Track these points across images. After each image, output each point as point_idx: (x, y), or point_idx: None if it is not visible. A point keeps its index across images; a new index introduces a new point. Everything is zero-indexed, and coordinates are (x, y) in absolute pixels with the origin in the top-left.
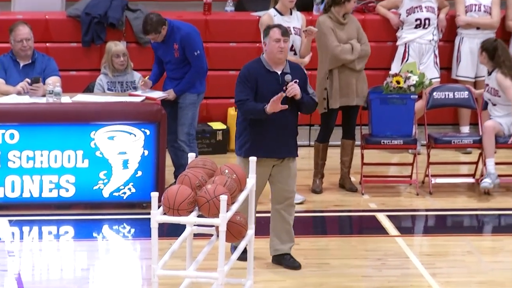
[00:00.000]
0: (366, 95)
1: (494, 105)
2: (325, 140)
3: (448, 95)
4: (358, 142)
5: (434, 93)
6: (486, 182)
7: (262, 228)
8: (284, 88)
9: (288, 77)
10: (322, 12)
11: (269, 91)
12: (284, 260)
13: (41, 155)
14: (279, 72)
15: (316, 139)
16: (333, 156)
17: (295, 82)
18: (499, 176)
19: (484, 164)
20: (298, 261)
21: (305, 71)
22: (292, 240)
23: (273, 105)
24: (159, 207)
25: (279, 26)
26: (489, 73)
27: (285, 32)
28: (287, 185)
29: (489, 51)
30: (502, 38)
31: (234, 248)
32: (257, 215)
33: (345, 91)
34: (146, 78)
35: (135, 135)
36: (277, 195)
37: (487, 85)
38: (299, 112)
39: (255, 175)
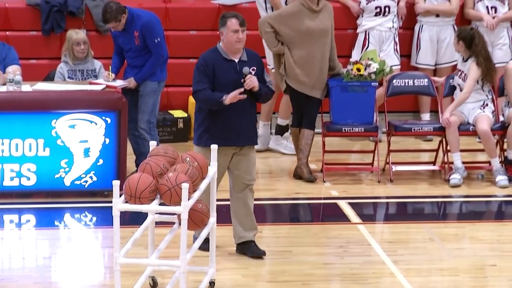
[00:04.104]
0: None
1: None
2: (295, 124)
3: (408, 82)
4: (318, 130)
5: (394, 81)
6: (456, 179)
7: (224, 216)
8: (242, 80)
9: (246, 69)
10: None
11: (227, 79)
12: (249, 248)
13: (2, 143)
14: (236, 60)
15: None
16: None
17: (253, 70)
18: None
19: (445, 153)
20: (262, 249)
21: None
22: (256, 227)
23: (232, 98)
24: (120, 195)
25: (236, 16)
26: (465, 60)
27: (243, 22)
28: (247, 173)
29: (467, 40)
30: (461, 26)
31: (195, 238)
32: (219, 203)
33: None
34: (109, 72)
35: (96, 124)
36: (237, 183)
37: (460, 71)
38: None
39: (216, 163)
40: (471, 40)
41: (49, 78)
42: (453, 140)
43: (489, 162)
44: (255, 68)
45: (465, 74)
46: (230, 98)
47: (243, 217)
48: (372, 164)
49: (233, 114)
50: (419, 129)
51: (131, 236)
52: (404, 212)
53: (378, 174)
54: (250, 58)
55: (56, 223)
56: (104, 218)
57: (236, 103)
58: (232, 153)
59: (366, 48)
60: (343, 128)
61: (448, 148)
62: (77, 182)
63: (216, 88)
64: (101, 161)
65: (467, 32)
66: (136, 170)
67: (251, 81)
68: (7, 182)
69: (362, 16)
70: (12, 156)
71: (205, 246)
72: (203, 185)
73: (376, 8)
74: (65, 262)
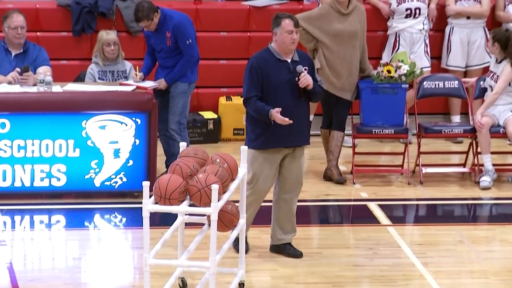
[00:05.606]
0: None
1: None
2: (324, 125)
3: (438, 84)
4: (348, 132)
5: (424, 83)
6: (486, 181)
7: (254, 217)
8: (296, 79)
9: (299, 67)
10: None
11: (281, 79)
12: (286, 249)
13: (32, 144)
14: (289, 60)
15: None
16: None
17: (305, 69)
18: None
19: (475, 155)
20: (299, 250)
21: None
22: (295, 229)
23: (279, 120)
24: (150, 196)
25: (290, 17)
26: (499, 61)
27: (297, 23)
28: (297, 177)
29: (502, 42)
30: (491, 28)
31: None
32: None
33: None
34: (137, 72)
35: (126, 124)
36: (286, 185)
37: (492, 72)
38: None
39: (268, 165)
40: (506, 42)
41: (80, 79)
42: (484, 142)
43: None
44: (307, 68)
45: (497, 76)
46: (277, 118)
47: (285, 221)
48: (402, 166)
49: (289, 114)
50: (449, 131)
51: (160, 237)
52: (434, 214)
53: (408, 176)
54: (301, 59)
55: (86, 223)
56: (134, 219)
57: (291, 104)
58: (283, 156)
59: (397, 50)
60: (373, 130)
61: (479, 150)
62: (107, 183)
63: (271, 88)
64: (131, 162)
65: (502, 34)
66: (166, 171)
67: (305, 79)
68: (37, 183)
69: (393, 18)
70: (43, 156)
71: (236, 246)
72: (233, 187)
73: (406, 10)
74: (94, 263)
